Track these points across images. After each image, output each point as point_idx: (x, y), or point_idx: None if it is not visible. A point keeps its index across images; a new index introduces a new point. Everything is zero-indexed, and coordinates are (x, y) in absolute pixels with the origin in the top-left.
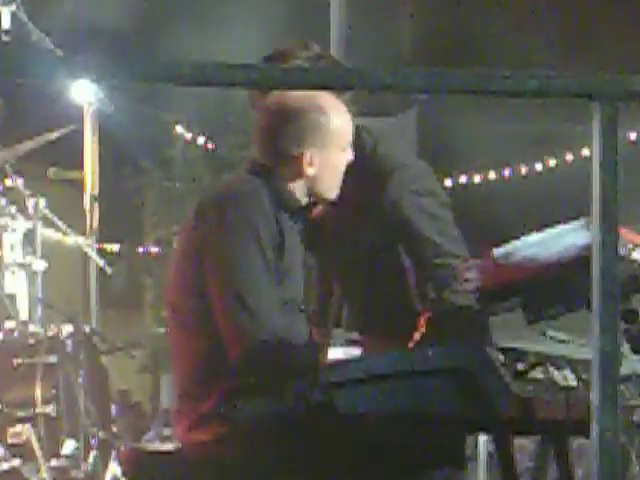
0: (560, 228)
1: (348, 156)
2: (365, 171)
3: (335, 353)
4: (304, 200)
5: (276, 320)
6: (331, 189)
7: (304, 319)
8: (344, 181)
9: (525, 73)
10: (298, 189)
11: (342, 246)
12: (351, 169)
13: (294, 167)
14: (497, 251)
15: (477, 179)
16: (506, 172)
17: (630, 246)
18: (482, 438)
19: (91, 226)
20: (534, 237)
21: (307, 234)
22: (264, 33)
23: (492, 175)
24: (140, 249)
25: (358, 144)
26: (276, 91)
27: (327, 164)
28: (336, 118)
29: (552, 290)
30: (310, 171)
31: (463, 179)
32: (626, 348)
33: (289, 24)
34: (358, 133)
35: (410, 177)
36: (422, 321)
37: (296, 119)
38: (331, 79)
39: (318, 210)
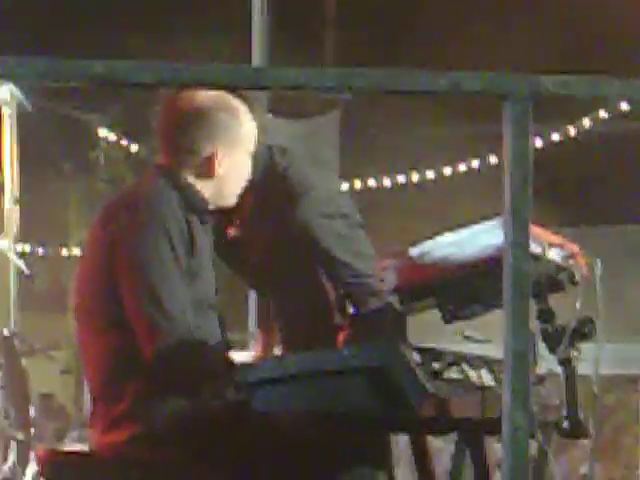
0: (475, 228)
1: (250, 165)
2: (277, 192)
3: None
4: (212, 201)
5: (189, 318)
6: (233, 194)
7: (216, 319)
8: (257, 200)
9: (436, 72)
10: (206, 189)
11: (259, 262)
12: (263, 188)
13: (204, 166)
14: (413, 250)
15: (401, 179)
16: (429, 173)
17: (546, 245)
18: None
19: (10, 228)
20: (450, 237)
21: (223, 246)
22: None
23: (415, 176)
24: (64, 251)
25: (271, 164)
26: (186, 91)
27: (234, 166)
28: (246, 121)
29: (468, 290)
30: (220, 171)
31: (387, 182)
32: (542, 348)
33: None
34: (271, 154)
35: (320, 199)
36: (341, 338)
37: (209, 118)
38: (243, 78)
39: (232, 228)
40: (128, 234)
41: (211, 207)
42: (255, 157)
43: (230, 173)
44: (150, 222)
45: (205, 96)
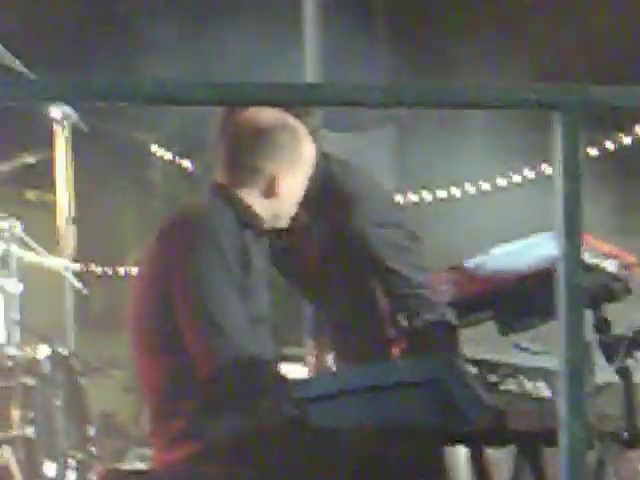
0: (530, 239)
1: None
2: (333, 201)
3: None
4: (268, 220)
5: (245, 336)
6: (289, 214)
7: (271, 335)
8: (313, 209)
9: (486, 85)
10: (264, 208)
11: (313, 272)
12: (320, 197)
13: (265, 185)
14: (468, 263)
15: (457, 193)
16: (485, 185)
17: (601, 256)
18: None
19: (67, 248)
20: (505, 249)
21: (279, 259)
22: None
23: (470, 188)
24: (120, 270)
25: (328, 173)
26: (247, 111)
27: (293, 187)
28: (306, 143)
29: (524, 301)
30: (280, 191)
31: (443, 193)
32: (599, 358)
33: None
34: (328, 163)
35: (376, 209)
36: (395, 350)
37: (272, 137)
38: (297, 95)
39: (290, 236)
40: (184, 252)
41: (267, 226)
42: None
43: (289, 194)
44: (205, 240)
45: (268, 115)
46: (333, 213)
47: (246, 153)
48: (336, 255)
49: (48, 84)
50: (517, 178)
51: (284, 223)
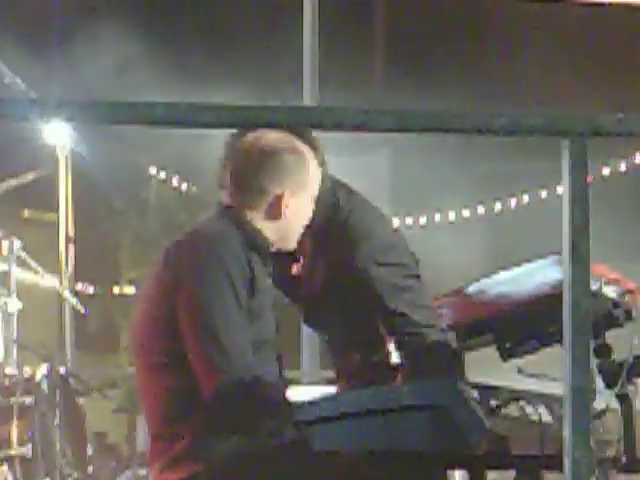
0: (530, 265)
1: (312, 208)
2: (338, 233)
3: (312, 392)
4: (274, 242)
5: (249, 359)
6: (296, 236)
7: (275, 358)
8: (318, 237)
9: (494, 112)
10: (270, 231)
11: (314, 298)
12: (325, 227)
13: (271, 208)
14: (469, 288)
15: (451, 216)
16: (480, 209)
17: (603, 282)
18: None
19: (65, 267)
20: (506, 274)
21: (281, 279)
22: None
23: (466, 213)
24: (116, 290)
25: (334, 203)
26: (252, 133)
27: (300, 209)
28: (312, 165)
29: (525, 326)
30: (286, 213)
31: (437, 216)
32: (599, 383)
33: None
34: (335, 193)
35: (379, 247)
36: (398, 377)
37: (278, 160)
38: (303, 118)
39: (293, 261)
40: (190, 274)
41: (273, 249)
42: (320, 193)
43: (295, 216)
44: (212, 263)
45: (274, 138)
46: (336, 246)
47: (252, 175)
48: (338, 286)
49: (59, 104)
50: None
51: (292, 244)
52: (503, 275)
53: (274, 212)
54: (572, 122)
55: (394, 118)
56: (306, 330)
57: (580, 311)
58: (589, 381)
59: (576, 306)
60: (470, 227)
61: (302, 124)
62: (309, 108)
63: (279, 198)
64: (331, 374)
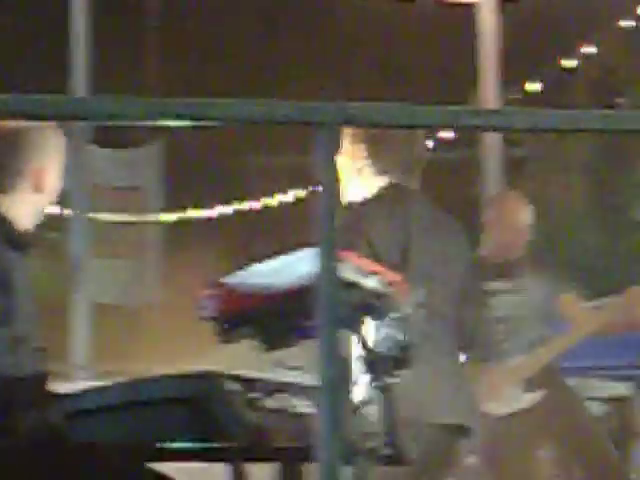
0: (289, 256)
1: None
2: None
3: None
4: (29, 229)
5: (4, 359)
6: (28, 220)
7: (36, 353)
8: None
9: (250, 100)
10: (22, 217)
11: None
12: None
13: (19, 191)
14: (229, 279)
15: (228, 210)
16: (254, 204)
17: (364, 273)
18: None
19: None
20: (266, 265)
21: None
22: None
23: (240, 206)
24: None
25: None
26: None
27: (54, 181)
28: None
29: (285, 318)
30: (45, 185)
31: (213, 211)
32: (361, 375)
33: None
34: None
35: None
36: None
37: (23, 141)
38: (65, 109)
39: None
40: None
41: (30, 232)
42: None
43: (51, 189)
44: None
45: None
46: None
47: (6, 159)
48: None
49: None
50: (281, 197)
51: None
52: (264, 266)
53: (22, 197)
54: (324, 111)
55: (151, 107)
56: (77, 325)
57: (331, 302)
58: (342, 372)
59: (327, 297)
60: (231, 221)
61: (66, 115)
62: (71, 99)
63: (39, 173)
64: (108, 367)
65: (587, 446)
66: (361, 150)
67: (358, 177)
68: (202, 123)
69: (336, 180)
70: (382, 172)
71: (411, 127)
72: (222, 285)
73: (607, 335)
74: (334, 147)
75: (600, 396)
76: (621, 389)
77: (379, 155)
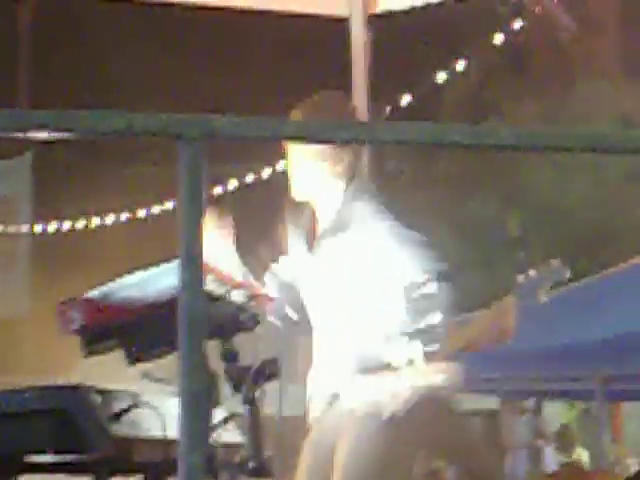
0: (155, 269)
1: None
2: None
3: None
4: None
5: None
6: None
7: None
8: None
9: (111, 112)
10: None
11: None
12: None
13: None
14: (93, 292)
15: (94, 223)
16: (122, 216)
17: (229, 287)
18: None
19: None
20: (131, 278)
21: None
22: None
23: (108, 219)
24: None
25: None
26: None
27: None
28: None
29: (152, 331)
30: None
31: (81, 223)
32: (227, 388)
33: None
34: None
35: None
36: None
37: None
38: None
39: None
40: None
41: None
42: None
43: None
44: None
45: None
46: None
47: None
48: None
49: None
50: (154, 209)
51: None
52: (128, 280)
53: None
54: (187, 124)
55: (10, 118)
56: None
57: (193, 314)
58: (204, 385)
59: (189, 309)
60: (115, 231)
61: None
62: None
63: None
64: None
65: (462, 458)
66: None
67: None
68: (61, 135)
69: (200, 193)
70: None
71: (277, 140)
72: (86, 299)
73: (476, 351)
74: (197, 160)
75: (470, 409)
76: (490, 402)
77: None
